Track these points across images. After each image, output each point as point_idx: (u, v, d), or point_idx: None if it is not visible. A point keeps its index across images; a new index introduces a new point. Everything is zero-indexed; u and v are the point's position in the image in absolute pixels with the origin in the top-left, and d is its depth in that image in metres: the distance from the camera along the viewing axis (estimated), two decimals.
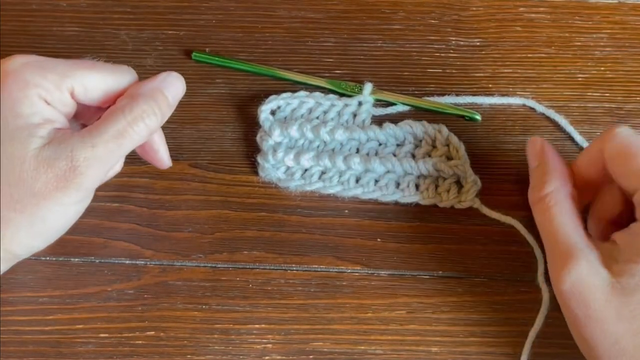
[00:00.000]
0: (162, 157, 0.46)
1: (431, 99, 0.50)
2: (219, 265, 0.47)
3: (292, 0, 0.53)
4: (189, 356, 0.46)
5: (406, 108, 0.50)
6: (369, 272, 0.47)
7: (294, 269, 0.47)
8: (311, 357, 0.46)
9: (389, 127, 0.48)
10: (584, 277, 0.38)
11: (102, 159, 0.39)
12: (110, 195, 0.48)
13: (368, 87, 0.49)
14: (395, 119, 0.49)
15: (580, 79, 0.51)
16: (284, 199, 0.48)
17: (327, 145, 0.49)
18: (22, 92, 0.38)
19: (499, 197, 0.48)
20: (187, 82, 0.43)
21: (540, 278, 0.45)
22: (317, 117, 0.49)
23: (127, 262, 0.47)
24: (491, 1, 0.52)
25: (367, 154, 0.48)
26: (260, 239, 0.48)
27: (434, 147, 0.48)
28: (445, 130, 0.48)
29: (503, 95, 0.50)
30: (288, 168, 0.48)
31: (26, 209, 0.38)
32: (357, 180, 0.48)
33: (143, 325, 0.46)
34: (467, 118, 0.49)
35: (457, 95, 0.50)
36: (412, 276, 0.47)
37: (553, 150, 0.43)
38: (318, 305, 0.47)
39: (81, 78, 0.40)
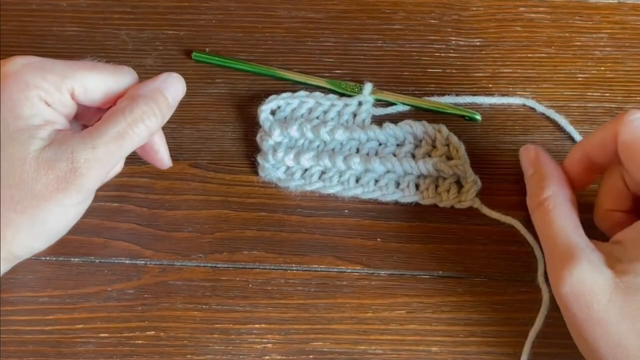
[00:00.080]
0: (163, 157, 0.46)
1: (431, 99, 0.50)
2: (219, 265, 0.47)
3: (292, 0, 0.53)
4: (189, 356, 0.46)
5: (406, 108, 0.50)
6: (369, 272, 0.47)
7: (294, 268, 0.47)
8: (311, 357, 0.46)
9: (389, 127, 0.48)
10: (585, 278, 0.37)
11: (102, 161, 0.39)
12: (110, 195, 0.48)
13: (368, 87, 0.49)
14: (395, 119, 0.49)
15: (580, 79, 0.51)
16: (284, 199, 0.48)
17: (327, 145, 0.49)
18: (23, 93, 0.38)
19: (499, 197, 0.48)
20: (187, 82, 0.43)
21: (540, 278, 0.45)
22: (317, 117, 0.49)
23: (127, 262, 0.47)
24: (491, 1, 0.52)
25: (367, 154, 0.48)
26: (260, 238, 0.48)
27: (434, 147, 0.48)
28: (445, 130, 0.48)
29: (503, 95, 0.50)
30: (288, 168, 0.48)
31: (27, 210, 0.38)
32: (357, 180, 0.48)
33: (143, 325, 0.46)
34: (467, 118, 0.49)
35: (457, 95, 0.50)
36: (412, 276, 0.47)
37: (547, 156, 0.44)
38: (318, 305, 0.47)
39: (81, 79, 0.40)
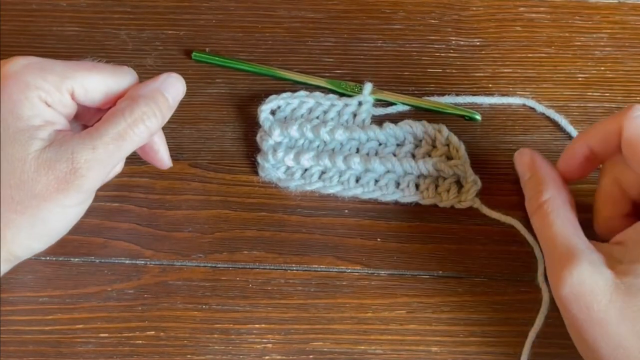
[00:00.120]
0: (163, 157, 0.46)
1: (431, 99, 0.50)
2: (219, 265, 0.47)
3: (292, 0, 0.53)
4: (189, 356, 0.46)
5: (406, 108, 0.50)
6: (369, 272, 0.47)
7: (294, 268, 0.47)
8: (311, 357, 0.46)
9: (389, 127, 0.48)
10: (585, 278, 0.37)
11: (102, 161, 0.39)
12: (110, 195, 0.48)
13: (368, 87, 0.49)
14: (395, 118, 0.49)
15: (580, 79, 0.51)
16: (284, 198, 0.48)
17: (327, 145, 0.49)
18: (23, 94, 0.38)
19: (499, 197, 0.48)
20: (187, 82, 0.43)
21: (540, 278, 0.45)
22: (317, 117, 0.49)
23: (127, 262, 0.47)
24: (491, 1, 0.52)
25: (367, 154, 0.48)
26: (260, 238, 0.48)
27: (434, 147, 0.48)
28: (445, 130, 0.48)
29: (503, 95, 0.50)
30: (288, 168, 0.48)
31: (27, 211, 0.38)
32: (357, 180, 0.48)
33: (143, 325, 0.46)
34: (467, 118, 0.49)
35: (457, 95, 0.50)
36: (412, 276, 0.47)
37: (543, 159, 0.43)
38: (318, 305, 0.47)
39: (81, 79, 0.40)
